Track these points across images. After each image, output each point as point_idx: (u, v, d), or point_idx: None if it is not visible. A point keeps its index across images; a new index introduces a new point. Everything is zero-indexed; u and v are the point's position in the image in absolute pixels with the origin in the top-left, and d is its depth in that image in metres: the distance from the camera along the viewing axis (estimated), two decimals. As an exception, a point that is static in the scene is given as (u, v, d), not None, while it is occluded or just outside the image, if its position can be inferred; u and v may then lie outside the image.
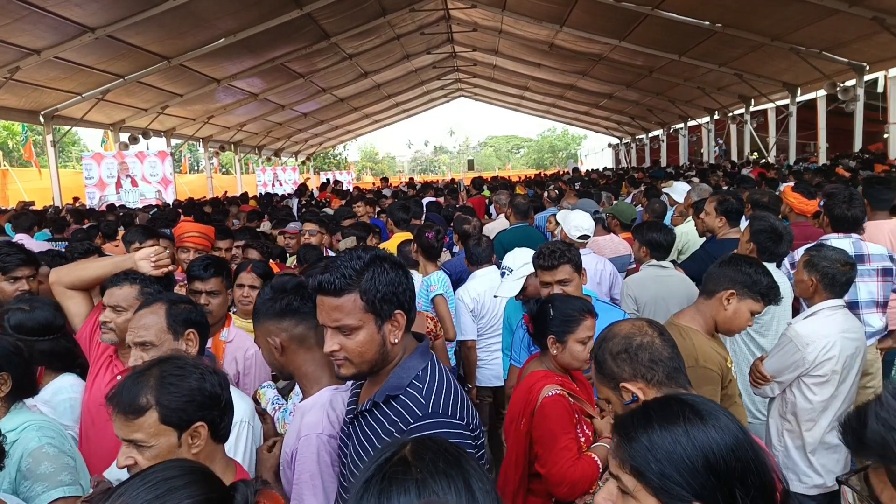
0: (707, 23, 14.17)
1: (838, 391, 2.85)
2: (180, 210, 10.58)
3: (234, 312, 3.44)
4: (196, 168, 37.30)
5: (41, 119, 15.71)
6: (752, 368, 3.04)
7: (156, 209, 12.02)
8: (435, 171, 67.97)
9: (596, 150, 45.73)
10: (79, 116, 16.50)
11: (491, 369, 4.15)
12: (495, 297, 3.69)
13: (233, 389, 1.92)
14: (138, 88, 16.09)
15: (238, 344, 2.99)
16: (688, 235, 4.87)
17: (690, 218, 4.65)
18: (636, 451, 1.10)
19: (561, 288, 2.70)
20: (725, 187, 9.08)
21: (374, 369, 1.71)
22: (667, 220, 5.39)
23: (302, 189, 15.45)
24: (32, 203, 17.30)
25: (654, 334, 1.74)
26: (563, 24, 16.48)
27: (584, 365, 2.40)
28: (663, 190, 6.29)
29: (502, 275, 3.29)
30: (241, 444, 2.13)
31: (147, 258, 2.56)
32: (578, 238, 4.13)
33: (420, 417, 1.61)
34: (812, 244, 3.21)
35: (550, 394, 2.27)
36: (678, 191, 5.71)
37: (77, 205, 14.99)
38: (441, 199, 9.62)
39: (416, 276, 4.25)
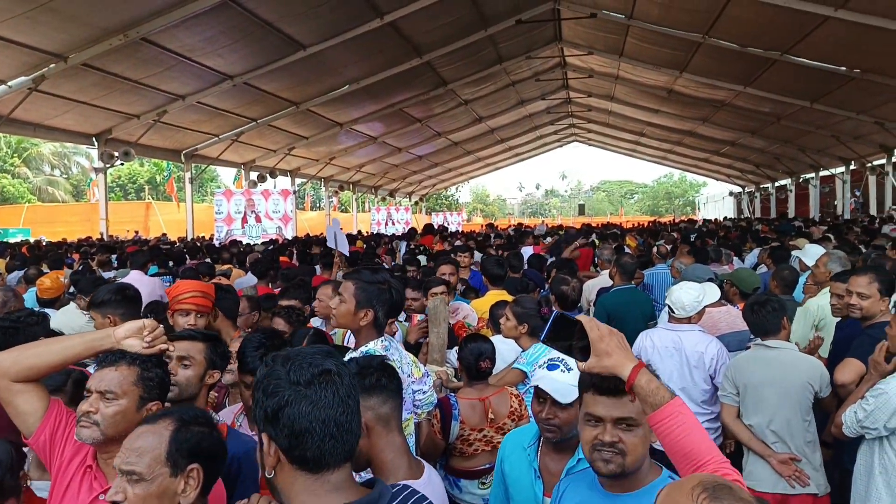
0: (844, 68, 13.23)
1: None
2: (291, 249, 10.91)
3: None
4: (317, 206, 39.22)
5: (182, 158, 17.20)
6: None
7: (271, 244, 12.66)
8: (545, 213, 67.53)
9: (716, 198, 43.58)
10: (215, 156, 17.95)
11: None
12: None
13: None
14: (268, 131, 17.28)
15: None
16: (824, 310, 4.15)
17: (827, 289, 4.00)
18: None
19: (617, 433, 1.70)
20: (861, 246, 8.28)
21: None
22: (797, 290, 4.83)
23: (412, 233, 15.62)
24: (165, 235, 18.92)
25: None
26: (684, 70, 16.00)
27: None
28: (793, 252, 5.68)
29: (552, 367, 2.26)
30: None
31: (137, 334, 1.96)
32: (674, 315, 3.74)
33: None
34: None
35: None
36: (811, 255, 4.99)
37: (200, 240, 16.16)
38: (540, 248, 9.29)
39: (506, 344, 3.84)
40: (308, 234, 18.58)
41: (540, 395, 2.21)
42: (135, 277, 6.05)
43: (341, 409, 1.32)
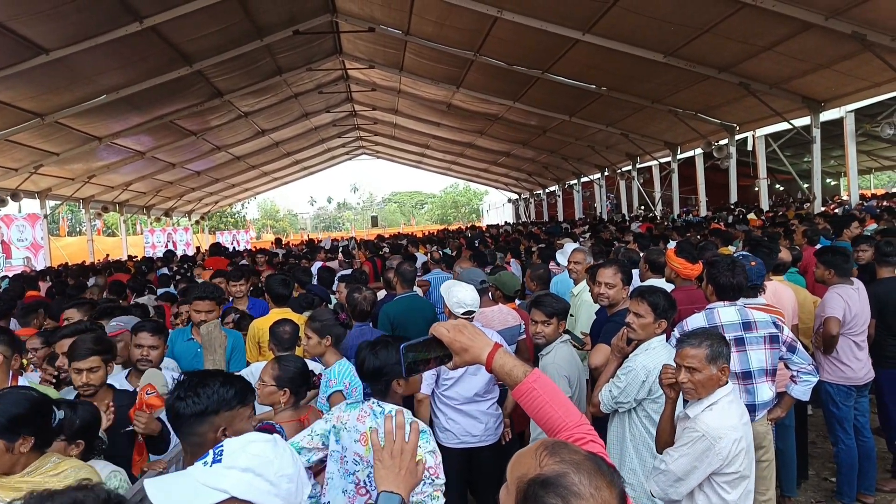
0: (593, 86, 14.92)
1: (749, 486, 2.63)
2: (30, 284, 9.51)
3: None
4: (78, 230, 34.91)
5: None
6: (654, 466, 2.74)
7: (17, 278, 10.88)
8: (339, 227, 67.31)
9: (497, 205, 46.89)
10: (-65, 177, 15.02)
11: None
12: None
13: None
14: (7, 147, 14.83)
15: None
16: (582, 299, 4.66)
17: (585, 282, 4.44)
18: None
19: None
20: (615, 242, 9.30)
21: None
22: (554, 285, 5.24)
23: (168, 256, 13.97)
24: None
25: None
26: (460, 85, 16.89)
27: None
28: (556, 252, 6.21)
29: None
30: None
31: None
32: (462, 315, 3.83)
33: None
34: (692, 330, 2.98)
35: None
36: (565, 254, 5.56)
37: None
38: (334, 263, 9.16)
39: (313, 365, 3.73)
40: (66, 264, 16.34)
41: None
42: None
43: None
